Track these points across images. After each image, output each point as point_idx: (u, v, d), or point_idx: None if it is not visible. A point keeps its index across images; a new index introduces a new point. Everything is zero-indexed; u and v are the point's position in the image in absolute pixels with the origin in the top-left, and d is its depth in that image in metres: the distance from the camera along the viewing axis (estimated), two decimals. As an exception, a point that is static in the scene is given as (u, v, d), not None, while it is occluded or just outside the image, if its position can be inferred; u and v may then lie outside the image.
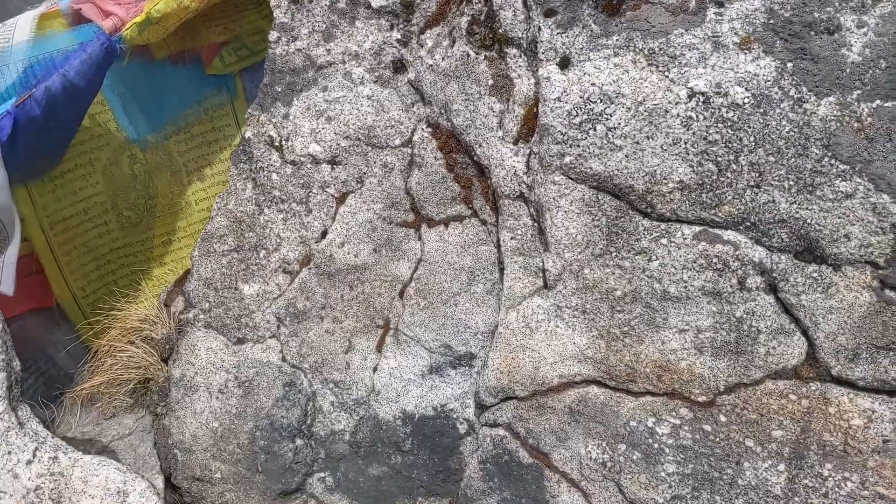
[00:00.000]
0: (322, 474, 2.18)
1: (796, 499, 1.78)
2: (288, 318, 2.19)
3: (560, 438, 1.92)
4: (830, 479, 1.74)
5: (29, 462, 1.97)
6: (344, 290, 2.15)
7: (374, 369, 2.13)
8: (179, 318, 2.32)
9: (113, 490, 1.98)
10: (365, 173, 2.13)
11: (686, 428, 1.83)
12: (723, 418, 1.81)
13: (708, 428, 1.83)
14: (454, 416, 2.07)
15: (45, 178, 2.55)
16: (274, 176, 2.18)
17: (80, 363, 2.48)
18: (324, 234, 2.15)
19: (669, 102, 1.70)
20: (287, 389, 2.19)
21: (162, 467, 2.28)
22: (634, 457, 1.88)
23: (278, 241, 2.19)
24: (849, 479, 1.73)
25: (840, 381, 1.74)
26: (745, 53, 1.65)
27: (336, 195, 2.15)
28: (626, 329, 1.85)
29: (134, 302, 2.42)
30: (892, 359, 1.70)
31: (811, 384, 1.76)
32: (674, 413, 1.83)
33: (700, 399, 1.82)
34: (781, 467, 1.77)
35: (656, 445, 1.84)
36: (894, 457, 1.72)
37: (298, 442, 2.19)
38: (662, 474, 1.86)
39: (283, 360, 2.21)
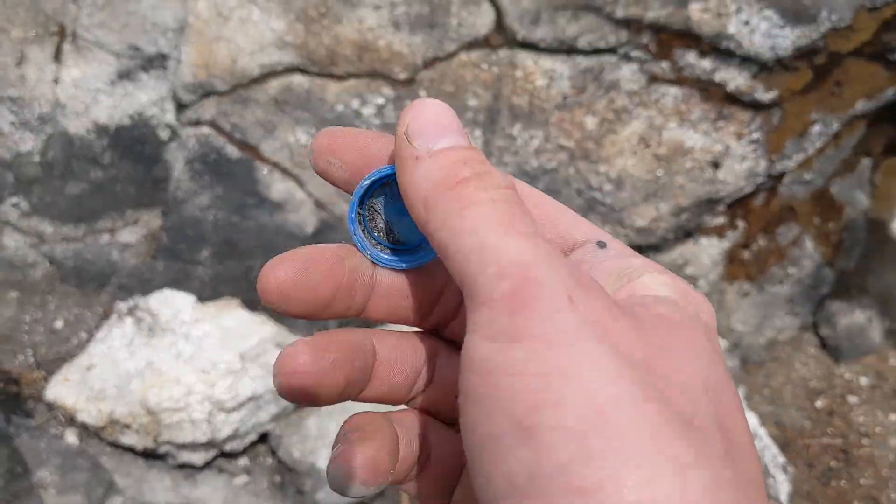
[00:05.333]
0: (15, 199, 1.98)
1: (492, 159, 1.93)
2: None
3: (268, 130, 1.88)
4: (519, 138, 1.89)
5: None
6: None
7: (56, 81, 1.91)
8: None
9: None
10: None
11: (390, 106, 1.87)
12: (423, 93, 1.87)
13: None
14: (154, 122, 1.94)
15: None
16: None
17: None
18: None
19: None
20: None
21: None
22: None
23: None
24: (535, 137, 1.89)
25: (525, 45, 1.84)
26: None
27: None
28: (322, 10, 1.79)
29: None
30: (568, 18, 1.81)
31: (500, 51, 1.85)
32: (378, 93, 1.86)
33: (401, 77, 1.85)
34: (478, 133, 1.89)
35: (363, 126, 1.88)
36: (572, 111, 1.89)
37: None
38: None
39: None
